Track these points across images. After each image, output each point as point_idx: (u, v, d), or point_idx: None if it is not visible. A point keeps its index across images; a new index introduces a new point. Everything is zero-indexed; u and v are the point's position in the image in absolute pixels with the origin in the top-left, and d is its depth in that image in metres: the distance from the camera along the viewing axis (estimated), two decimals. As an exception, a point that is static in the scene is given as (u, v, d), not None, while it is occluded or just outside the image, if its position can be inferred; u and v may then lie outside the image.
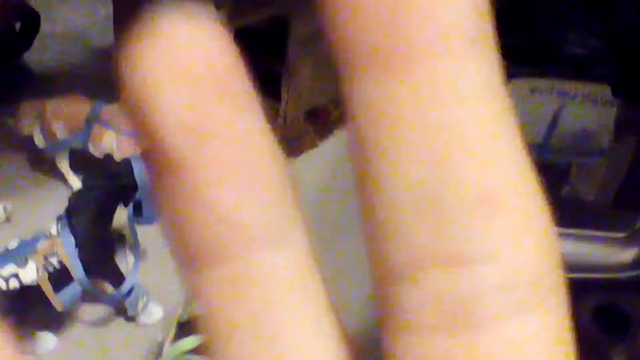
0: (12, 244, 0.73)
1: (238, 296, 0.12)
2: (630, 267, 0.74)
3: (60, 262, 0.72)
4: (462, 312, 0.12)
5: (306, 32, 0.91)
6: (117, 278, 0.77)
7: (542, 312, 0.12)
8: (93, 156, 0.89)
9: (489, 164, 0.11)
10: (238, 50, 0.12)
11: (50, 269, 0.71)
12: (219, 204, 0.12)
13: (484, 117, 0.11)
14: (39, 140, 0.90)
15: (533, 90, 0.86)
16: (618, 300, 0.72)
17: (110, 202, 0.76)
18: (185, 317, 0.73)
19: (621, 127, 0.86)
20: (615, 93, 0.84)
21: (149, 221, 0.76)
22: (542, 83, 0.85)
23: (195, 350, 0.70)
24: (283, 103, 0.96)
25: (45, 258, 0.71)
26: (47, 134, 0.89)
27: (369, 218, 0.12)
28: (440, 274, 0.12)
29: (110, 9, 0.99)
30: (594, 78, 0.88)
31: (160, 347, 0.74)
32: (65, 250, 0.72)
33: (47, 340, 0.76)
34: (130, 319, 0.79)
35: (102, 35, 1.09)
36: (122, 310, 0.79)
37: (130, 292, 0.76)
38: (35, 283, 0.71)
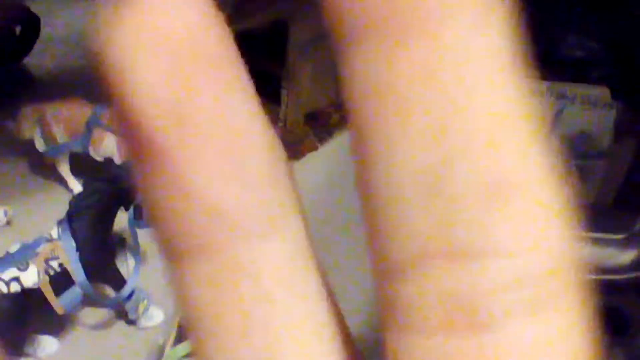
0: (13, 248, 0.73)
1: (224, 291, 0.11)
2: (630, 269, 0.74)
3: (61, 266, 0.72)
4: (468, 311, 0.10)
5: (306, 36, 0.91)
6: (118, 281, 0.77)
7: (555, 311, 0.11)
8: (94, 160, 0.89)
9: (501, 147, 0.10)
10: (225, 25, 0.10)
11: (51, 272, 0.71)
12: (203, 191, 0.11)
13: (496, 95, 0.10)
14: (40, 144, 0.90)
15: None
16: (618, 302, 0.72)
17: (111, 205, 0.76)
18: (185, 320, 0.73)
19: (620, 130, 0.86)
20: (614, 96, 0.84)
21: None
22: (541, 86, 0.86)
23: (195, 354, 0.70)
24: (283, 106, 0.96)
25: (46, 262, 0.71)
26: (48, 137, 0.89)
27: (369, 209, 0.11)
28: (445, 269, 0.10)
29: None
30: (593, 81, 0.88)
31: (161, 350, 0.74)
32: (66, 253, 0.72)
33: (48, 343, 0.76)
34: (131, 322, 0.79)
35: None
36: (122, 314, 0.79)
37: (131, 295, 0.76)
38: (36, 286, 0.71)
